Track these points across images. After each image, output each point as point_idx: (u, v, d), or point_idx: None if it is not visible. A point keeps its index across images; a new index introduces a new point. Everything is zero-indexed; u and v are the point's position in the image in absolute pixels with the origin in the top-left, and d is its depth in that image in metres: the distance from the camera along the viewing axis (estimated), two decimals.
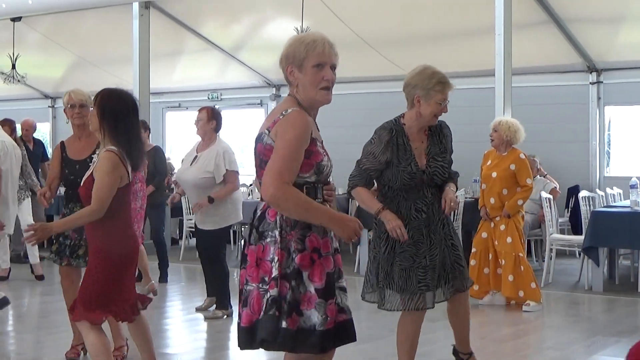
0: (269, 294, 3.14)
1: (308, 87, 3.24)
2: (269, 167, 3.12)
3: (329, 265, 3.22)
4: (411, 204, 4.46)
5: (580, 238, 8.86)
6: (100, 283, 4.34)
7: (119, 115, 4.40)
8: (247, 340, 3.22)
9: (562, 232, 10.52)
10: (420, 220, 4.46)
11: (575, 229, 10.85)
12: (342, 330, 3.27)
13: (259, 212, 3.27)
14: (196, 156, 6.93)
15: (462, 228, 10.07)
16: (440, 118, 4.57)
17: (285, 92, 14.18)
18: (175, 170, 10.51)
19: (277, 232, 3.18)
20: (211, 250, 6.96)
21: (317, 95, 3.25)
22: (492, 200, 7.63)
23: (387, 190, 4.53)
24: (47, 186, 5.42)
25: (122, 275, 4.42)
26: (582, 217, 9.23)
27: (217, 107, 14.33)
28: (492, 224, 7.65)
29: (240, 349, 3.25)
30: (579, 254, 9.53)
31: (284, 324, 3.13)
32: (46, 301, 8.37)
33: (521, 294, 7.51)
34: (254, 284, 3.21)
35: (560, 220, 10.13)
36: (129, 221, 4.54)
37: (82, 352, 5.56)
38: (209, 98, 14.39)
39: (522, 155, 7.61)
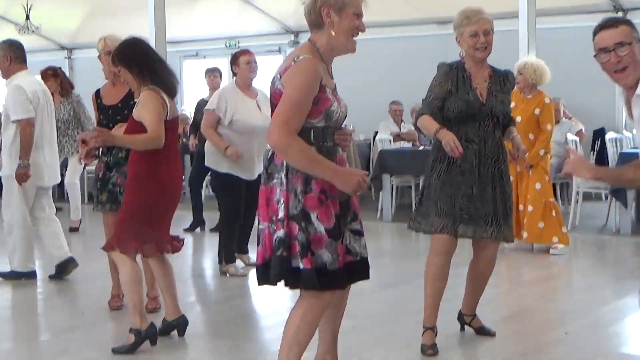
0: (276, 234, 3.21)
1: (343, 32, 3.27)
2: (276, 114, 3.16)
3: (336, 207, 3.26)
4: (463, 133, 4.45)
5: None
6: (138, 213, 4.47)
7: (140, 59, 4.58)
8: (262, 277, 3.31)
9: None
10: (470, 151, 4.44)
11: None
12: (350, 271, 3.35)
13: (269, 154, 3.32)
14: (256, 102, 6.55)
15: None
16: None
17: (304, 39, 14.32)
18: (190, 120, 10.34)
19: (282, 174, 3.23)
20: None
21: (349, 42, 3.31)
22: None
23: (445, 122, 4.50)
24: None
25: (161, 207, 4.55)
26: (609, 159, 9.08)
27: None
28: (518, 168, 7.50)
29: (258, 284, 3.33)
30: (606, 197, 9.39)
31: (301, 265, 3.19)
32: (85, 249, 8.39)
33: (555, 239, 7.37)
34: (265, 223, 3.28)
35: None
36: (172, 156, 4.64)
37: (123, 299, 5.47)
38: (226, 46, 14.24)
39: (547, 100, 7.43)
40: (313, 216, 3.20)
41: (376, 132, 11.59)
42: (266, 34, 13.98)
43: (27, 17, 12.43)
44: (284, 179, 3.22)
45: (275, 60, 14.06)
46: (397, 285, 6.32)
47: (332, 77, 3.38)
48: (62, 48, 16.10)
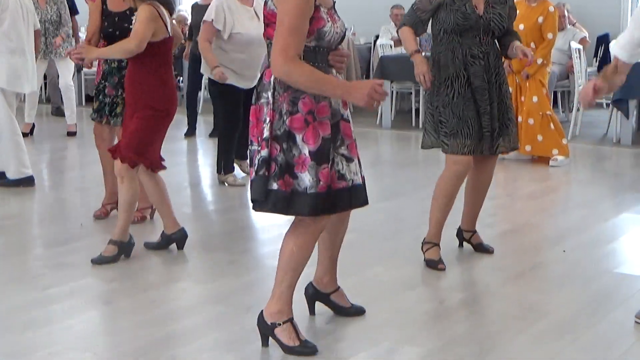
0: (260, 154, 3.14)
1: None
2: (275, 42, 3.05)
3: (325, 130, 3.15)
4: (466, 49, 4.38)
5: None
6: (141, 131, 4.57)
7: None
8: (258, 194, 3.19)
9: None
10: (479, 67, 4.38)
11: None
12: (340, 198, 3.22)
13: (260, 73, 3.26)
14: (253, 11, 6.38)
15: None
16: None
17: None
18: (189, 21, 10.12)
19: (269, 94, 3.15)
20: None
21: None
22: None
23: (442, 35, 4.42)
24: (87, 41, 5.24)
25: (160, 128, 4.66)
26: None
27: None
28: (517, 79, 7.39)
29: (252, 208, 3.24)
30: (607, 105, 9.31)
31: (274, 186, 3.12)
32: (82, 154, 8.44)
33: (555, 152, 7.36)
34: (255, 144, 3.21)
35: (588, 70, 9.84)
36: (170, 74, 4.69)
37: (110, 211, 5.56)
38: None
39: (551, 8, 7.28)
40: (298, 138, 3.12)
41: (377, 36, 11.41)
42: None
43: None
44: (270, 98, 3.14)
45: None
46: (395, 197, 6.31)
47: None
48: None
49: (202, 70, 6.66)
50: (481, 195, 4.75)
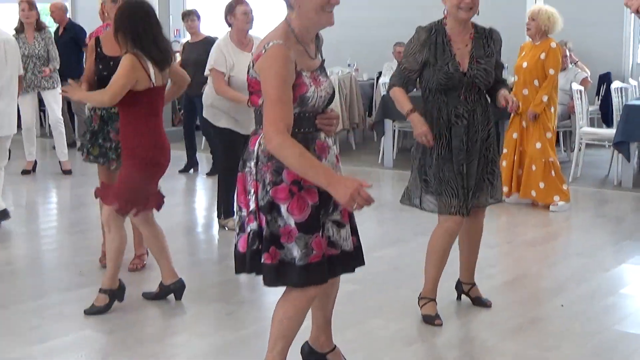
0: (249, 227, 3.11)
1: (311, 9, 3.03)
2: (265, 116, 2.97)
3: (314, 198, 3.09)
4: (452, 109, 4.32)
5: (611, 132, 8.64)
6: (129, 180, 4.60)
7: (132, 23, 4.55)
8: (239, 266, 3.21)
9: (592, 121, 10.39)
10: (460, 127, 4.32)
11: (606, 117, 10.62)
12: (330, 266, 3.19)
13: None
14: (249, 55, 6.31)
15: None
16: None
17: None
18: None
19: (252, 163, 3.11)
20: None
21: (322, 18, 3.06)
22: (525, 92, 7.33)
23: (428, 94, 4.40)
24: (85, 82, 5.24)
25: (148, 176, 4.67)
26: (614, 110, 8.98)
27: None
28: (524, 123, 7.41)
29: (235, 272, 3.25)
30: (609, 146, 9.31)
31: (262, 259, 3.09)
32: (76, 194, 8.44)
33: (557, 198, 7.36)
34: (244, 209, 3.17)
35: (590, 108, 9.90)
36: (158, 123, 4.69)
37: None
38: None
39: (553, 44, 7.30)
40: (283, 208, 3.06)
41: (380, 73, 11.44)
42: None
43: None
44: (253, 168, 3.10)
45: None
46: (396, 244, 6.30)
47: (314, 57, 3.18)
48: None
49: (205, 115, 6.57)
50: (473, 247, 4.73)
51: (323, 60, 3.26)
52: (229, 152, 6.46)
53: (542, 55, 7.22)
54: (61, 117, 9.35)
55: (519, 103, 4.45)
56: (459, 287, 4.88)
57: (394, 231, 6.74)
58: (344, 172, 3.37)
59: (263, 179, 3.08)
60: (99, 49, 5.26)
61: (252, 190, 3.09)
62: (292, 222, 3.06)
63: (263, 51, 3.00)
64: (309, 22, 3.08)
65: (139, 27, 4.53)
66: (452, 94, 4.32)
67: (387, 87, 4.48)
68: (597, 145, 9.38)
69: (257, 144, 3.11)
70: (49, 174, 9.41)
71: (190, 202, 8.31)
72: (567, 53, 10.03)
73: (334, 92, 3.26)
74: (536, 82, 7.26)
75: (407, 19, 12.03)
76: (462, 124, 4.31)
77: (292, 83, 3.01)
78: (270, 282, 3.12)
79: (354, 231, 3.36)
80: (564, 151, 10.24)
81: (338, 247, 3.24)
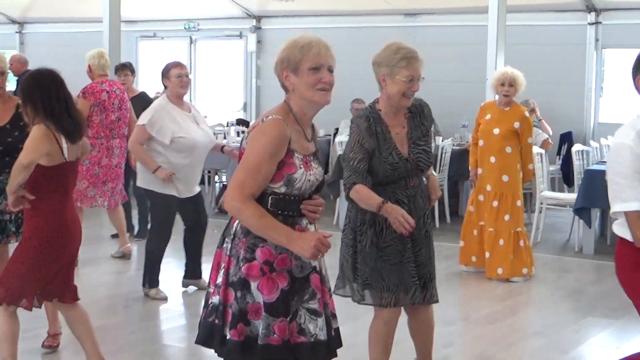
0: (212, 300, 3.13)
1: (304, 89, 3.10)
2: (234, 176, 3.05)
3: (283, 282, 3.07)
4: (390, 195, 4.05)
5: (572, 197, 8.44)
6: (19, 264, 4.17)
7: (40, 94, 4.19)
8: (202, 339, 3.21)
9: (552, 181, 10.23)
10: None
11: (567, 178, 10.44)
12: (298, 352, 3.11)
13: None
14: (192, 116, 6.21)
15: (448, 179, 9.70)
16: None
17: (266, 24, 13.80)
18: None
19: (230, 239, 3.12)
20: None
21: (315, 95, 3.10)
22: (492, 159, 7.07)
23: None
24: None
25: (43, 264, 4.20)
26: (575, 172, 8.81)
27: (194, 37, 14.01)
28: (481, 197, 7.17)
29: (195, 342, 3.25)
30: (570, 207, 9.10)
31: (228, 335, 3.07)
32: None
33: (525, 271, 7.11)
34: (212, 285, 3.20)
35: (551, 168, 9.71)
36: (67, 203, 4.28)
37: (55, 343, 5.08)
38: (185, 28, 13.76)
39: (527, 113, 7.13)
40: (253, 285, 3.05)
41: (337, 129, 11.18)
42: (227, 18, 13.42)
43: None
44: (229, 244, 3.11)
45: (235, 46, 13.70)
46: (350, 320, 5.92)
47: (311, 140, 3.18)
48: (13, 22, 15.41)
49: (138, 183, 6.33)
50: (425, 341, 4.41)
51: (317, 150, 3.24)
52: (164, 220, 6.22)
53: (517, 125, 6.97)
54: None
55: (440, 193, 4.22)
56: None
57: (347, 305, 6.37)
58: None
59: (237, 255, 3.08)
60: None
61: (223, 265, 3.11)
62: (260, 300, 3.05)
63: (260, 123, 3.07)
64: (303, 101, 3.12)
65: (51, 97, 4.17)
66: (394, 181, 4.10)
67: (345, 189, 4.07)
68: (559, 205, 9.15)
69: (238, 220, 3.10)
70: None
71: (115, 264, 7.61)
72: (531, 107, 9.87)
73: (323, 180, 3.22)
74: (509, 149, 7.00)
75: (365, 74, 11.84)
76: (404, 209, 4.01)
77: (280, 160, 3.04)
78: (234, 358, 3.08)
79: (333, 316, 3.29)
80: (525, 212, 10.00)
81: (309, 336, 3.13)
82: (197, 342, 3.19)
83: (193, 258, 6.53)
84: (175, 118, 6.05)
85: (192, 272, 6.57)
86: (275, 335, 3.02)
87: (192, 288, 6.57)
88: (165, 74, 6.16)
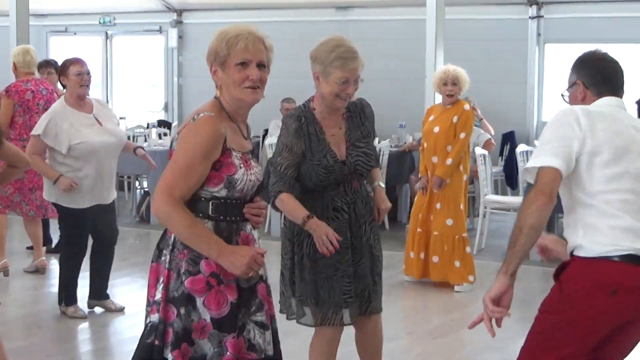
0: (149, 318, 2.95)
1: (231, 87, 2.97)
2: (161, 178, 2.88)
3: (233, 295, 2.92)
4: (328, 202, 3.85)
5: (517, 200, 8.01)
6: None
7: None
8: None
9: (495, 183, 9.87)
10: (342, 222, 3.86)
11: (510, 179, 10.01)
12: None
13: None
14: (93, 117, 5.70)
15: (387, 183, 9.08)
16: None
17: (188, 18, 13.24)
18: None
19: (168, 250, 2.95)
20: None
21: (242, 93, 2.96)
22: (434, 159, 6.72)
23: (304, 192, 3.87)
24: None
25: None
26: (520, 174, 8.40)
27: (109, 32, 13.42)
28: (438, 205, 6.76)
29: None
30: (514, 211, 8.61)
31: (170, 357, 2.88)
32: None
33: (471, 278, 6.74)
34: (150, 301, 3.04)
35: (494, 169, 9.28)
36: None
37: None
38: (100, 22, 13.19)
39: (466, 107, 6.71)
40: (199, 301, 2.89)
41: (266, 130, 10.56)
42: (146, 11, 12.89)
43: None
44: (168, 256, 2.94)
45: (155, 41, 13.24)
46: (291, 335, 5.26)
47: (247, 138, 3.07)
48: None
49: (45, 196, 5.85)
50: (376, 351, 4.18)
51: (254, 147, 3.15)
52: (74, 232, 5.79)
53: (455, 119, 6.65)
54: None
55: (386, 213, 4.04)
56: None
57: (283, 319, 5.77)
58: None
59: (178, 268, 2.93)
60: None
61: (162, 279, 2.93)
62: (207, 317, 2.91)
63: (191, 121, 2.92)
64: (232, 99, 3.00)
65: None
66: (330, 186, 3.85)
67: (270, 197, 3.81)
68: (503, 209, 8.69)
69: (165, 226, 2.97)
70: None
71: (32, 281, 7.06)
72: (475, 108, 9.39)
73: (263, 180, 3.10)
74: (449, 148, 6.68)
75: (297, 72, 11.18)
76: (343, 218, 3.86)
77: (215, 160, 2.89)
78: None
79: (274, 333, 3.16)
80: (468, 216, 9.48)
81: (259, 352, 3.02)
82: None
83: (99, 275, 5.98)
84: (73, 124, 5.57)
85: (97, 292, 5.99)
86: (228, 354, 2.88)
87: (98, 309, 6.00)
88: (64, 71, 5.67)
